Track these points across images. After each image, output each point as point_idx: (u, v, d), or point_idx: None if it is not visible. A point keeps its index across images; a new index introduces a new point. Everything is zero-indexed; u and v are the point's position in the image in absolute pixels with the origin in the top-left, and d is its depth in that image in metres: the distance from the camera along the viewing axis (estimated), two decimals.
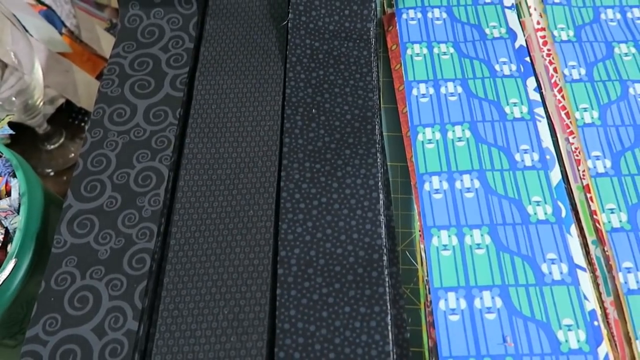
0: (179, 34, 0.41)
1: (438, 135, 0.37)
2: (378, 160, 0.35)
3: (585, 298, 0.31)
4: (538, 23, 0.43)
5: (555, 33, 0.41)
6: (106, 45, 0.54)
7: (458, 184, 0.34)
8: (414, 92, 0.39)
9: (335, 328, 0.30)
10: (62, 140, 0.52)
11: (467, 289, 0.31)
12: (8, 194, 0.35)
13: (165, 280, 0.32)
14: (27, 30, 0.49)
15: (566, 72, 0.40)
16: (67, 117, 0.53)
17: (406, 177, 0.37)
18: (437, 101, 0.38)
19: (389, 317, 0.30)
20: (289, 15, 0.40)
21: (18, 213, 0.34)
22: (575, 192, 0.35)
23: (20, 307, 0.34)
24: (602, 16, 0.42)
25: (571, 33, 0.41)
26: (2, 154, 0.36)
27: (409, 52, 0.40)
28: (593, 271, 0.33)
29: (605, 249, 0.33)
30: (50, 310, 0.31)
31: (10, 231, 0.34)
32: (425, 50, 0.40)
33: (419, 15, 0.42)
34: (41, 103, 0.46)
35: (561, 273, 0.31)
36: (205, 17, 0.42)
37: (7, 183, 0.35)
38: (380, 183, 0.34)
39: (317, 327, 0.30)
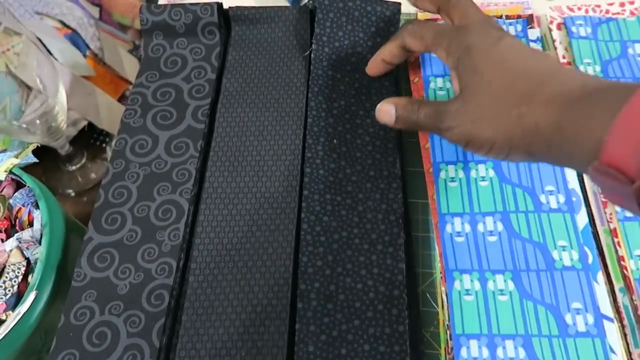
0: (201, 64, 0.41)
1: (461, 174, 0.36)
2: (399, 195, 0.35)
3: (612, 351, 0.30)
4: (563, 57, 0.42)
5: (582, 68, 0.41)
6: (129, 67, 0.54)
7: (480, 227, 0.34)
8: None
9: None
10: (83, 161, 0.52)
11: (489, 337, 0.30)
12: (30, 224, 0.35)
13: (183, 318, 0.32)
14: (51, 54, 0.49)
15: None
16: (89, 138, 0.53)
17: (427, 215, 0.36)
18: None
19: (408, 358, 0.30)
20: (312, 46, 0.40)
21: (40, 244, 0.34)
22: (602, 235, 0.34)
23: (39, 337, 0.34)
24: (630, 51, 0.41)
25: (598, 68, 0.41)
26: (25, 183, 0.37)
27: (432, 85, 0.40)
28: (620, 320, 0.32)
29: (634, 297, 0.32)
30: (69, 345, 0.31)
31: (32, 262, 0.34)
32: (448, 85, 0.40)
33: None
34: (64, 126, 0.47)
35: (586, 324, 0.30)
36: (227, 47, 0.42)
37: (29, 213, 0.35)
38: (401, 219, 0.34)
39: None
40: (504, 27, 0.43)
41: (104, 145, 0.54)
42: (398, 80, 0.41)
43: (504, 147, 0.28)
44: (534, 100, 0.27)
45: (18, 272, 0.33)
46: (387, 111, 0.34)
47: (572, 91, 0.26)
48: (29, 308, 0.32)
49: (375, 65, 0.39)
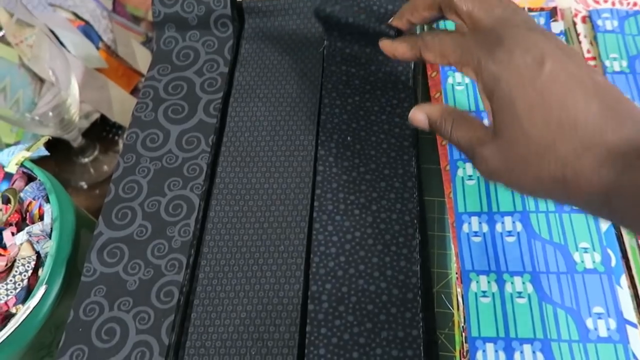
0: (213, 57, 0.40)
1: None
2: (414, 195, 0.34)
3: (635, 357, 0.29)
4: (588, 52, 0.40)
5: (607, 63, 0.39)
6: (141, 60, 0.54)
7: (499, 227, 0.33)
8: None
9: None
10: (96, 153, 0.52)
11: (506, 341, 0.29)
12: (41, 218, 0.35)
13: (192, 315, 0.31)
14: (64, 46, 0.49)
15: None
16: (102, 130, 0.53)
17: (443, 214, 0.35)
18: None
19: None
20: (325, 42, 0.39)
21: (50, 238, 0.34)
22: (626, 237, 0.33)
23: (49, 331, 0.34)
24: None
25: (624, 64, 0.39)
26: (36, 176, 0.36)
27: (450, 80, 0.39)
28: None
29: None
30: (77, 341, 0.31)
31: (42, 256, 0.34)
32: (467, 79, 0.39)
33: None
34: (77, 118, 0.46)
35: (608, 329, 0.29)
36: (240, 40, 0.41)
37: (40, 207, 0.35)
38: (416, 219, 0.33)
39: None
40: None
41: (116, 138, 0.54)
42: (416, 73, 0.39)
43: (546, 197, 0.25)
44: (583, 159, 0.23)
45: (28, 266, 0.33)
46: (420, 120, 0.30)
47: (632, 145, 0.22)
48: (38, 302, 0.32)
49: (387, 50, 0.34)
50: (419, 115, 0.30)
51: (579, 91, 0.24)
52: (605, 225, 0.33)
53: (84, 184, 0.51)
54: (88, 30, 0.52)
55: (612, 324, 0.30)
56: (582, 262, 0.31)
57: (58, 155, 0.51)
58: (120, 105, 0.51)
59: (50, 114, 0.44)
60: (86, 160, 0.52)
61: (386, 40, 0.34)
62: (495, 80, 0.25)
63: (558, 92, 0.24)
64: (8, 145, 0.47)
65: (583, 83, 0.24)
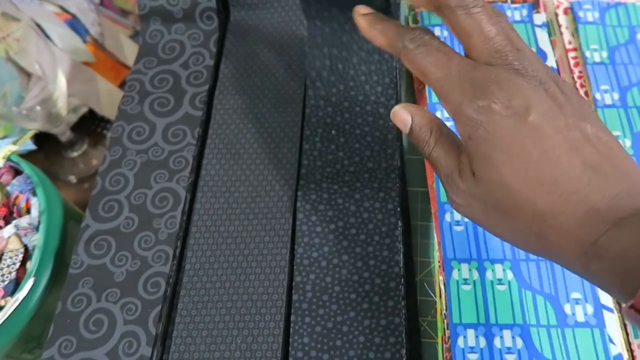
0: (199, 50, 0.40)
1: None
2: (397, 185, 0.34)
3: (611, 341, 0.29)
4: (569, 43, 0.41)
5: (588, 54, 0.40)
6: (129, 53, 0.54)
7: None
8: (438, 115, 0.37)
9: (349, 358, 0.30)
10: (85, 147, 0.52)
11: (487, 326, 0.30)
12: (28, 211, 0.35)
13: (179, 306, 0.32)
14: (51, 40, 0.49)
15: (598, 96, 0.38)
16: (90, 124, 0.53)
17: (426, 204, 0.36)
18: None
19: (404, 350, 0.30)
20: (305, 22, 0.39)
21: (37, 231, 0.34)
22: None
23: (38, 323, 0.34)
24: (638, 36, 0.40)
25: (604, 54, 0.40)
26: (23, 170, 0.37)
27: None
28: (620, 310, 0.31)
29: None
30: (66, 332, 0.31)
31: (30, 248, 0.34)
32: None
33: (445, 33, 0.41)
34: (64, 112, 0.47)
35: (585, 314, 0.30)
36: (226, 33, 0.42)
37: (27, 200, 0.35)
38: (399, 208, 0.34)
39: (330, 356, 0.30)
40: (509, 12, 0.42)
41: (105, 132, 0.54)
42: (400, 66, 0.40)
43: (523, 248, 0.25)
44: (561, 218, 0.22)
45: (16, 259, 0.33)
46: (402, 121, 0.27)
47: (614, 206, 0.21)
48: (26, 294, 0.32)
49: (364, 30, 0.29)
50: (402, 115, 0.27)
51: (563, 146, 0.22)
52: None
53: (73, 178, 0.51)
54: (75, 24, 0.52)
55: (590, 309, 0.30)
56: None
57: (47, 150, 0.51)
58: (109, 98, 0.52)
59: (38, 107, 0.45)
60: (75, 154, 0.52)
61: (363, 17, 0.29)
62: (474, 126, 0.23)
63: (540, 146, 0.22)
64: None
65: (569, 137, 0.22)
